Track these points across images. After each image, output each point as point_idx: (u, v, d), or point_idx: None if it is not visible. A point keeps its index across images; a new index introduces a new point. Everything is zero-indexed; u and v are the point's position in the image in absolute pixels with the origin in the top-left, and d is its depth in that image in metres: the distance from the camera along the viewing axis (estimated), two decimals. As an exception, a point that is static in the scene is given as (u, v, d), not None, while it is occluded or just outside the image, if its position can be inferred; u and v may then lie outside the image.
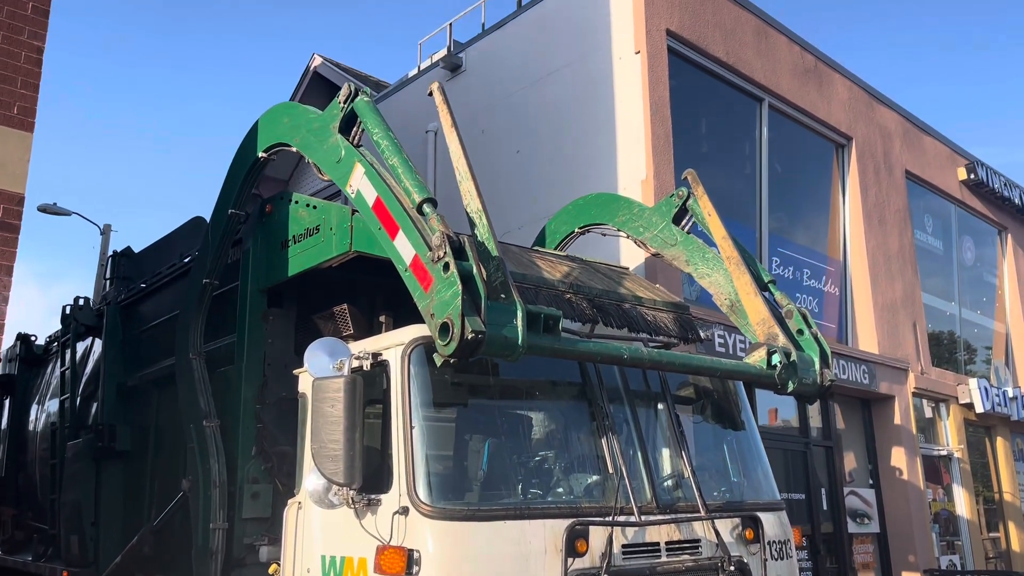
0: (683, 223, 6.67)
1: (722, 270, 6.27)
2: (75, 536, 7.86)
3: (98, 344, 8.59)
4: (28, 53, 5.45)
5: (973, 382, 14.25)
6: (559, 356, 4.73)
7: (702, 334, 6.61)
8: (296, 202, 6.03)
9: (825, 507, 11.19)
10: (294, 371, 5.48)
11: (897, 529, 11.99)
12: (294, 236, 5.93)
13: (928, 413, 13.90)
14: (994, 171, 16.21)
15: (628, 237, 7.12)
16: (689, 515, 5.06)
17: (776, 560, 5.37)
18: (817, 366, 5.78)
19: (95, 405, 8.20)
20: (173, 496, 6.43)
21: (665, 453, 5.53)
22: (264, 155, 6.15)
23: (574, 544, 4.46)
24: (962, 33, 58.52)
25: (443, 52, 12.34)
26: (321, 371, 4.62)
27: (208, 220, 6.75)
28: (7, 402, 10.95)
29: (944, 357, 14.95)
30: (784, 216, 11.97)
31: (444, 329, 4.21)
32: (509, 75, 11.05)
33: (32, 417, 10.09)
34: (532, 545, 4.41)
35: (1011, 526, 14.72)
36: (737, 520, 5.28)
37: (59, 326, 9.53)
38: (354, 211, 5.34)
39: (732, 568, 5.00)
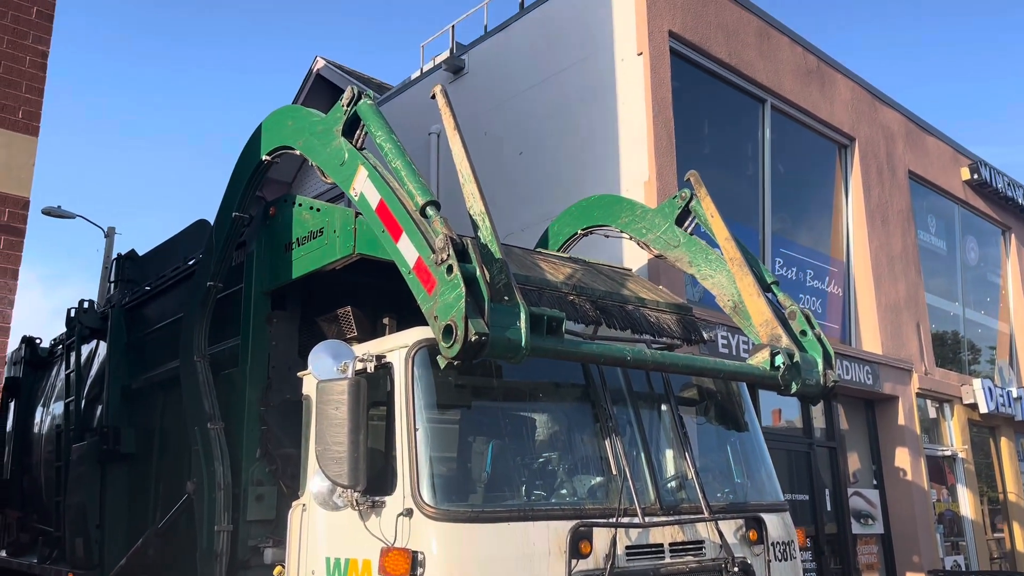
0: (686, 224, 6.68)
1: (725, 271, 6.28)
2: (80, 538, 7.87)
3: (102, 347, 8.61)
4: (33, 57, 5.48)
5: (977, 382, 14.23)
6: (562, 358, 4.74)
7: (705, 335, 6.61)
8: (300, 205, 6.05)
9: (829, 508, 11.18)
10: (298, 373, 5.50)
11: (901, 530, 11.97)
12: (298, 239, 5.94)
13: (932, 414, 13.89)
14: (997, 171, 16.19)
15: (631, 239, 7.13)
16: (693, 516, 5.07)
17: (780, 561, 5.38)
18: (820, 367, 5.78)
19: (100, 408, 8.22)
20: (178, 498, 6.45)
21: (668, 454, 5.53)
22: (268, 158, 6.17)
23: (578, 545, 4.47)
24: (965, 32, 58.49)
25: (445, 54, 12.35)
26: (325, 373, 4.63)
27: (212, 223, 6.77)
28: (12, 405, 10.97)
29: (948, 357, 14.93)
30: (787, 217, 11.96)
31: (448, 331, 4.22)
32: (511, 77, 11.07)
33: (37, 420, 10.12)
34: (536, 547, 4.42)
35: (1015, 526, 14.70)
36: (741, 521, 5.28)
37: (63, 329, 9.55)
38: (358, 214, 5.36)
39: (736, 569, 5.00)
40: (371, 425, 4.58)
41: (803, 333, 5.95)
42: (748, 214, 11.18)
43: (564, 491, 4.96)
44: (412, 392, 4.60)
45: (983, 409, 14.11)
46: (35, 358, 10.70)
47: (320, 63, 16.18)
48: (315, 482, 4.70)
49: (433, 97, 5.26)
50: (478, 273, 4.32)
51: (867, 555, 11.64)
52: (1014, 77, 54.69)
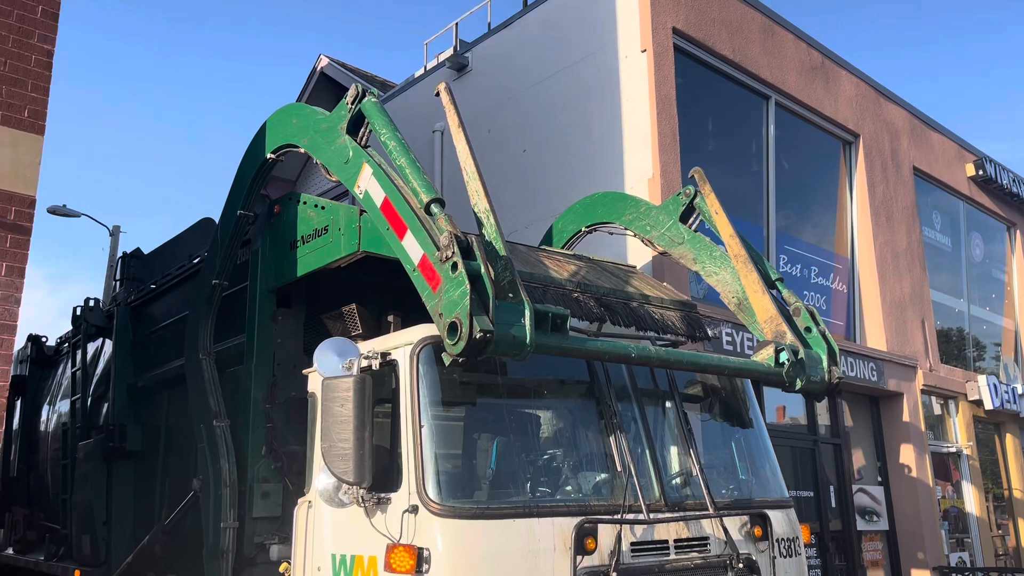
0: (690, 221, 6.68)
1: (729, 268, 6.28)
2: (87, 536, 7.91)
3: (108, 345, 8.64)
4: (38, 56, 5.49)
5: (982, 379, 14.21)
6: (567, 355, 4.75)
7: (710, 332, 6.60)
8: (304, 203, 6.06)
9: (834, 504, 11.18)
10: (303, 371, 5.51)
11: (906, 526, 11.97)
12: (303, 236, 5.96)
13: (937, 410, 13.87)
14: (1002, 167, 16.15)
15: (635, 236, 7.13)
16: (698, 513, 5.08)
17: (785, 558, 5.38)
18: (825, 363, 5.78)
19: (106, 405, 8.25)
20: (184, 495, 6.47)
21: (673, 451, 5.54)
22: (272, 156, 6.18)
23: (583, 542, 4.48)
24: (969, 27, 58.29)
25: (449, 52, 12.36)
26: (330, 371, 4.64)
27: (217, 221, 6.78)
28: (18, 403, 11.02)
29: (953, 354, 14.91)
30: (791, 214, 11.95)
31: (452, 328, 4.23)
32: (515, 74, 11.06)
33: (43, 418, 10.16)
34: (541, 543, 4.43)
35: (1021, 523, 14.67)
36: (746, 518, 5.29)
37: (69, 327, 9.59)
38: (362, 211, 5.37)
39: (741, 566, 5.01)
40: (376, 422, 4.59)
41: (807, 330, 5.95)
42: (752, 211, 11.17)
43: (569, 487, 4.97)
44: (417, 389, 4.61)
45: (988, 405, 14.10)
46: (41, 356, 10.75)
47: (324, 61, 16.20)
48: (321, 479, 4.71)
49: (437, 95, 5.26)
50: (483, 270, 4.33)
51: (872, 552, 11.64)
52: (1020, 71, 54.54)
